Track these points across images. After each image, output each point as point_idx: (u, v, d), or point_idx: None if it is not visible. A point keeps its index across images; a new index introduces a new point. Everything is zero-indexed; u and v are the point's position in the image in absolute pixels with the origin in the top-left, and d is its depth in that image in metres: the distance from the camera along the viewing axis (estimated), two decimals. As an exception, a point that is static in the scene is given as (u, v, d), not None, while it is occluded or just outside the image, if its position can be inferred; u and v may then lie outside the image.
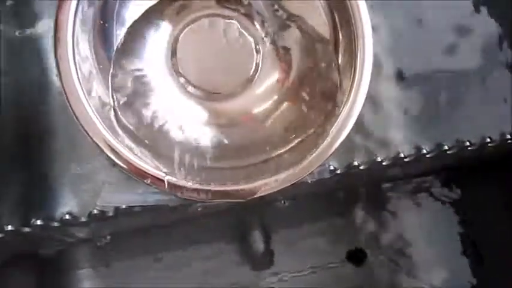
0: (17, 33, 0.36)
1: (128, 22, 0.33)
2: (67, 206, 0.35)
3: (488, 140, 0.40)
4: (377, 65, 0.39)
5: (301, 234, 0.50)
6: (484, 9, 0.42)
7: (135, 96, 0.33)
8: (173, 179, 0.31)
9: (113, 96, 0.32)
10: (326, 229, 0.50)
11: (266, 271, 0.50)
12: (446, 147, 0.40)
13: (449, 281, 0.50)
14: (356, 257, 0.51)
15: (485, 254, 0.50)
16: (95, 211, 0.35)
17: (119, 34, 0.33)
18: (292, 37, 0.35)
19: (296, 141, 0.33)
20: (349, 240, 0.51)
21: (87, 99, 0.30)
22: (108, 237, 0.45)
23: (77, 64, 0.30)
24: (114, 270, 0.46)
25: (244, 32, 0.35)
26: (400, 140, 0.39)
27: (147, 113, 0.33)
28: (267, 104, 0.35)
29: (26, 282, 0.44)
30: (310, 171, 0.31)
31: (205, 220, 0.47)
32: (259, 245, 0.49)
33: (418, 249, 0.50)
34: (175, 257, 0.48)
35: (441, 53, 0.41)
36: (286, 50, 0.36)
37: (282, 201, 0.48)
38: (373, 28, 0.32)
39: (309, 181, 0.36)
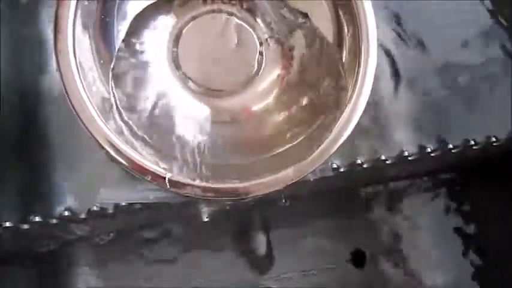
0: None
1: (130, 17, 0.33)
2: (66, 202, 0.35)
3: (494, 139, 0.40)
4: (381, 64, 0.39)
5: (302, 235, 0.50)
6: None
7: (136, 91, 0.33)
8: (174, 176, 0.30)
9: (113, 91, 0.32)
10: (328, 229, 0.50)
11: (267, 271, 0.49)
12: (450, 146, 0.40)
13: (452, 282, 0.50)
14: (358, 257, 0.50)
15: (490, 255, 0.50)
16: (95, 208, 0.34)
17: (120, 30, 0.33)
18: (296, 35, 0.35)
19: (299, 138, 0.33)
20: (351, 241, 0.50)
21: (87, 94, 0.30)
22: (111, 234, 0.45)
23: (77, 59, 0.30)
24: (113, 269, 0.46)
25: (248, 29, 0.35)
26: (404, 139, 0.39)
27: (148, 108, 0.33)
28: (268, 101, 0.35)
29: (24, 280, 0.44)
30: (313, 169, 0.31)
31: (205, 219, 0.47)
32: (260, 245, 0.49)
33: (421, 249, 0.50)
34: (175, 256, 0.47)
35: (447, 52, 0.40)
36: (290, 47, 0.35)
37: (284, 201, 0.48)
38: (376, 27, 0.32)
39: (311, 179, 0.35)
